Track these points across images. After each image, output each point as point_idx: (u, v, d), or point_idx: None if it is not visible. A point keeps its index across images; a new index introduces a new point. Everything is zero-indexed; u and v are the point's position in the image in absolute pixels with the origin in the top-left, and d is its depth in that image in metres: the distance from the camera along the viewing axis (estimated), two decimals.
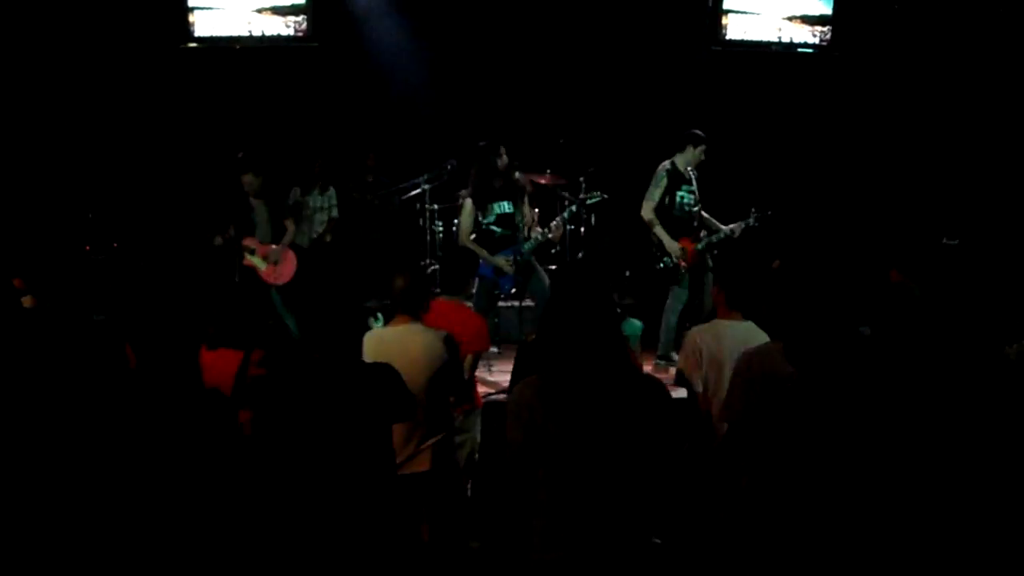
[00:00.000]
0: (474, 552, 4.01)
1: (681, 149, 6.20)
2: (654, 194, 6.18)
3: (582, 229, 7.52)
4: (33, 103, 7.66)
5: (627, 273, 7.99)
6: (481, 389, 4.99)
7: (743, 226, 6.21)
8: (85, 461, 2.57)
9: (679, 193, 6.18)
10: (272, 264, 6.53)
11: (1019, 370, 3.30)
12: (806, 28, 8.01)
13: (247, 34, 7.79)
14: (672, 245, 6.14)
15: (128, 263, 7.24)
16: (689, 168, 6.15)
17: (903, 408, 2.74)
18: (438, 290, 5.06)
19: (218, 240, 6.43)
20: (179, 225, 7.69)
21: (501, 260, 5.87)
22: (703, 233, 6.25)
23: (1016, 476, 2.63)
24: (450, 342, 3.72)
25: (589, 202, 6.80)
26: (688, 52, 8.19)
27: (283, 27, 7.82)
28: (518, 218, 5.92)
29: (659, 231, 6.15)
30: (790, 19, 7.99)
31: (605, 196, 6.78)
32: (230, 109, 8.08)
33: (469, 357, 4.17)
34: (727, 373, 3.80)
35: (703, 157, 6.19)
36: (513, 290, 6.08)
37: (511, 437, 2.49)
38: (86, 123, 7.84)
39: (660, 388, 2.62)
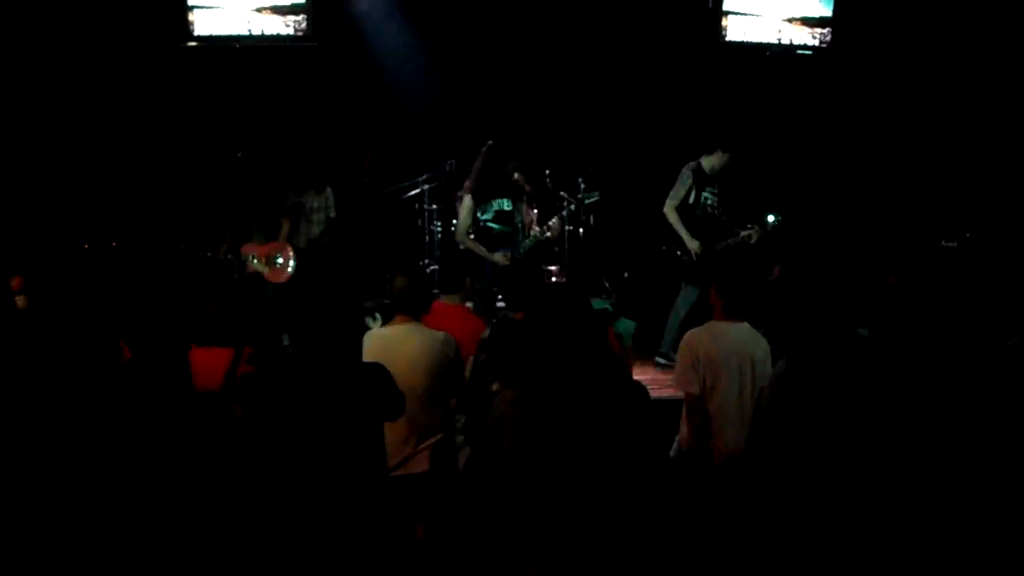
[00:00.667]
0: (471, 553, 4.00)
1: (710, 152, 6.29)
2: (679, 192, 6.25)
3: (580, 230, 7.51)
4: (32, 102, 7.64)
5: (625, 274, 7.99)
6: None
7: (760, 231, 6.25)
8: (77, 458, 2.57)
9: (704, 194, 6.26)
10: (275, 266, 6.54)
11: (1016, 364, 3.31)
12: (806, 30, 8.00)
13: (246, 33, 7.78)
14: (692, 243, 6.19)
15: (126, 262, 7.22)
16: (715, 171, 6.26)
17: (902, 408, 2.74)
18: (437, 290, 5.05)
19: (226, 254, 6.44)
20: (173, 225, 7.69)
21: (498, 255, 5.86)
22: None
23: (1015, 472, 2.63)
24: (450, 343, 3.72)
25: (587, 202, 6.82)
26: (688, 53, 8.19)
27: (283, 26, 7.81)
28: (517, 217, 5.93)
29: (679, 228, 6.21)
30: (790, 21, 7.99)
31: (599, 197, 6.82)
32: (229, 108, 8.07)
33: (469, 359, 4.16)
34: (724, 375, 3.80)
35: (728, 161, 6.27)
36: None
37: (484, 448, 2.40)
38: (85, 122, 7.82)
39: (642, 397, 2.58)
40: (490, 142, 5.91)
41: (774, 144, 8.29)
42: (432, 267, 7.48)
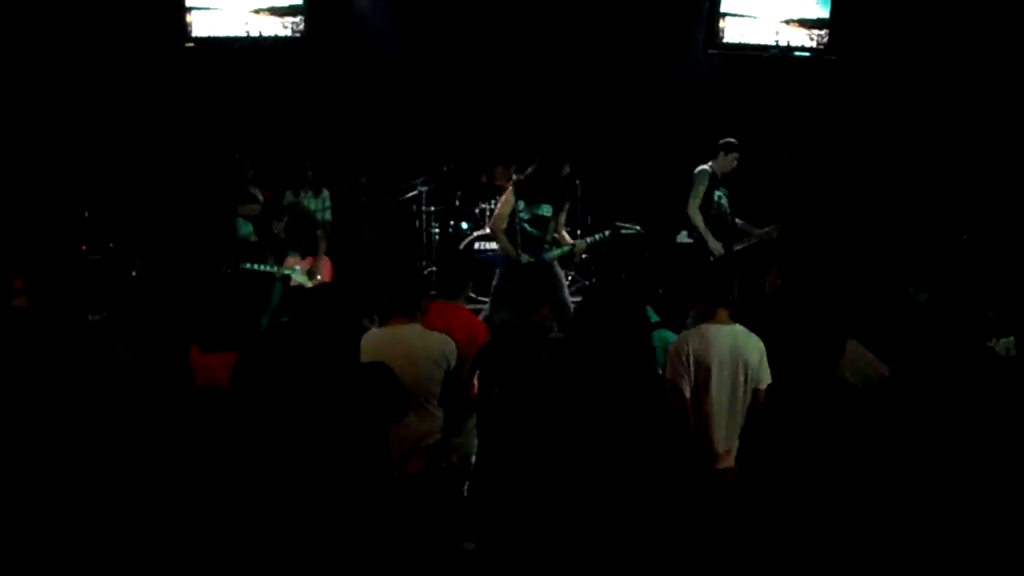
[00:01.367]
0: (469, 554, 4.00)
1: (714, 156, 6.35)
2: (698, 192, 6.30)
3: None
4: (30, 102, 7.64)
5: (660, 291, 7.93)
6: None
7: (777, 228, 6.32)
8: (75, 459, 2.56)
9: (716, 193, 6.32)
10: (316, 279, 6.56)
11: (1007, 364, 3.32)
12: (803, 32, 8.02)
13: (244, 34, 7.79)
14: (715, 244, 6.24)
15: (124, 262, 7.22)
16: (724, 174, 6.33)
17: (910, 412, 2.75)
18: (434, 292, 5.05)
19: (282, 268, 6.45)
20: (173, 224, 7.69)
21: (525, 257, 5.86)
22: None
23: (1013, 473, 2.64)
24: (448, 343, 3.72)
25: (623, 231, 6.74)
26: (685, 55, 8.20)
27: (280, 28, 7.82)
28: (552, 224, 5.98)
29: (703, 229, 6.27)
30: (787, 23, 8.00)
31: (641, 231, 6.74)
32: (227, 109, 8.07)
33: (468, 360, 4.16)
34: (715, 377, 3.79)
35: (735, 164, 6.32)
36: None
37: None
38: (83, 122, 7.82)
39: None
40: (546, 146, 5.92)
41: (771, 145, 8.30)
42: (430, 269, 7.48)
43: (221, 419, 2.68)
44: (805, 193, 8.23)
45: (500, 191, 7.50)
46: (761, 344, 3.90)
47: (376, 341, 3.66)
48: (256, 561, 2.69)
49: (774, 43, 8.03)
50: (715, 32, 7.91)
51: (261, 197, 7.34)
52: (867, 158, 8.30)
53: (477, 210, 8.04)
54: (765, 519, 2.98)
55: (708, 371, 3.80)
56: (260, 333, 4.88)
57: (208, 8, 7.72)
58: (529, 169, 5.94)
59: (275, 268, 6.39)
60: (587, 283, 7.60)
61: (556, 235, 6.07)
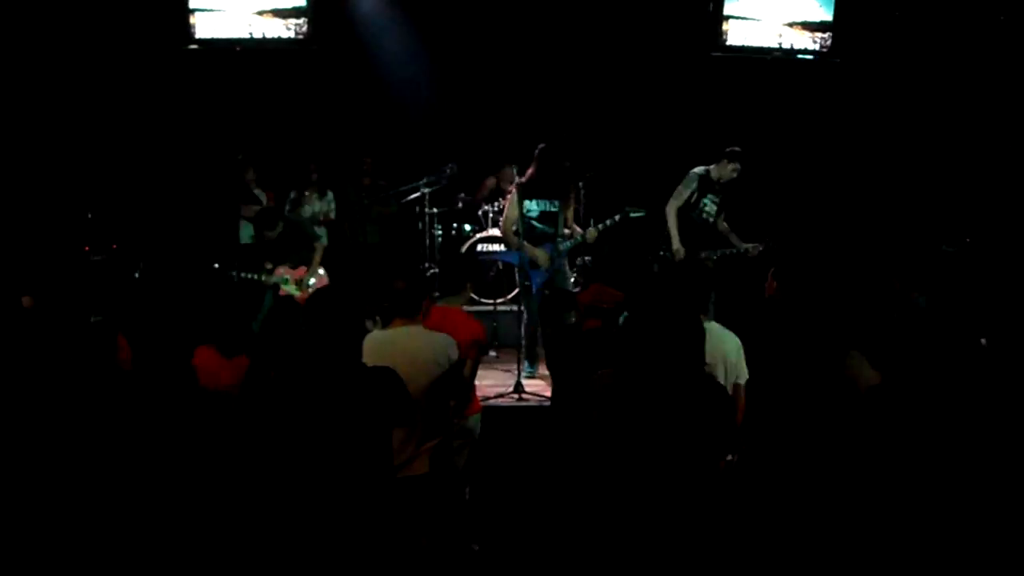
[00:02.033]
0: (474, 555, 4.00)
1: (718, 161, 6.36)
2: (682, 193, 6.34)
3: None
4: (34, 104, 7.66)
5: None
6: (480, 393, 4.98)
7: (760, 248, 6.31)
8: (82, 457, 2.57)
9: (704, 200, 6.34)
10: (307, 289, 6.55)
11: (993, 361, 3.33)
12: (807, 34, 8.02)
13: (248, 36, 7.80)
14: (677, 246, 6.28)
15: (127, 264, 7.23)
16: (721, 181, 6.33)
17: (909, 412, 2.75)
18: (437, 294, 5.05)
19: (271, 277, 6.45)
20: (177, 228, 7.70)
21: (541, 253, 5.98)
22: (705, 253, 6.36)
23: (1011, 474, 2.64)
24: (450, 345, 3.71)
25: (632, 215, 6.79)
26: (689, 58, 8.20)
27: (283, 29, 7.82)
28: (561, 217, 6.09)
29: (673, 230, 6.31)
30: (791, 25, 8.00)
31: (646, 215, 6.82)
32: (230, 111, 8.08)
33: (469, 361, 4.16)
34: None
35: (735, 175, 6.32)
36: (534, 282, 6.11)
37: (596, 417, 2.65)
38: (86, 124, 7.83)
39: (722, 393, 2.80)
40: (542, 145, 6.03)
41: (774, 149, 8.30)
42: (433, 270, 7.49)
43: (226, 421, 2.68)
44: (806, 196, 8.22)
45: (504, 194, 7.52)
46: (738, 340, 3.98)
47: (378, 343, 3.65)
48: (261, 561, 2.69)
49: (777, 46, 8.03)
50: (718, 35, 7.91)
51: (264, 199, 7.35)
52: (870, 161, 8.29)
53: (480, 212, 8.04)
54: (766, 518, 2.98)
55: None
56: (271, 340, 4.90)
57: (211, 10, 7.73)
58: (529, 169, 6.01)
59: (265, 277, 6.39)
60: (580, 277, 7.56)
61: (567, 230, 6.16)
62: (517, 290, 6.36)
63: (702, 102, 8.25)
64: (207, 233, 7.48)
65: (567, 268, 6.27)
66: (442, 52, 8.28)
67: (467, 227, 8.13)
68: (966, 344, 3.77)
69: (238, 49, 7.85)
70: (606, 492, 2.62)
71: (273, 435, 2.80)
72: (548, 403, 5.19)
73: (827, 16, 7.96)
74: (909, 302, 4.61)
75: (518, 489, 4.41)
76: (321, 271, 6.70)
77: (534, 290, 6.00)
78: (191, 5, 7.69)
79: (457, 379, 3.83)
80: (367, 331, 3.92)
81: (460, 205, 8.13)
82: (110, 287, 6.69)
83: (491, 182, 8.12)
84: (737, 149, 6.33)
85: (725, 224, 6.47)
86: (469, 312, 5.04)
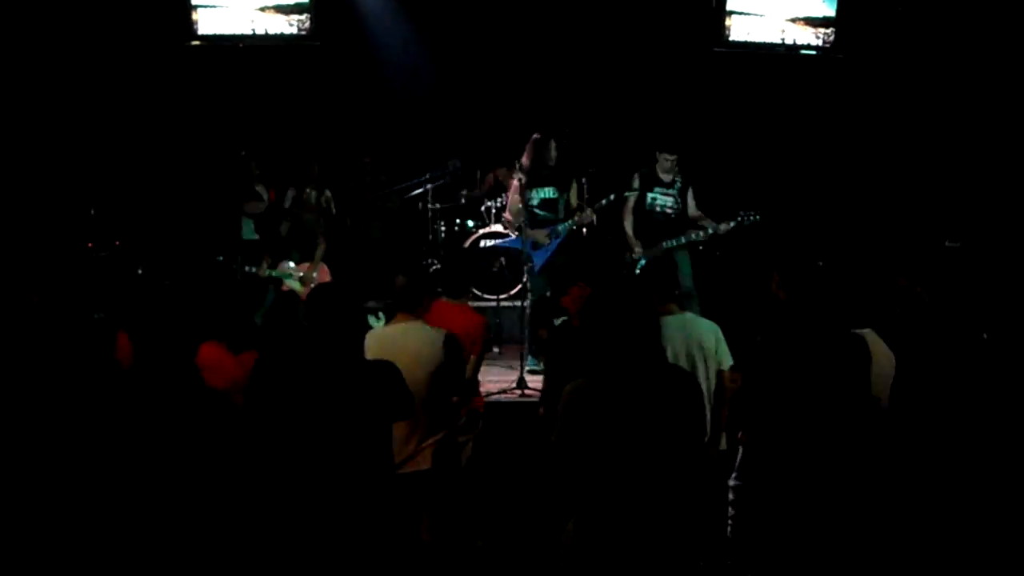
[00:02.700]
0: (478, 551, 4.00)
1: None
2: (626, 193, 6.52)
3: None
4: (37, 101, 7.66)
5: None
6: (482, 388, 4.98)
7: (731, 226, 6.37)
8: (84, 456, 2.57)
9: (650, 195, 6.48)
10: (310, 285, 6.56)
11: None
12: (810, 30, 8.00)
13: (250, 32, 7.79)
14: (632, 241, 6.48)
15: (130, 261, 7.24)
16: (664, 173, 6.43)
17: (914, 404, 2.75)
18: (440, 289, 5.05)
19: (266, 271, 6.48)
20: (181, 224, 7.70)
21: (539, 233, 6.25)
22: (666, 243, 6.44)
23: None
24: (451, 341, 3.71)
25: (627, 194, 6.84)
26: (691, 53, 8.18)
27: (286, 25, 7.82)
28: (561, 204, 6.35)
29: (627, 228, 6.52)
30: (794, 21, 7.98)
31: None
32: (232, 107, 8.07)
33: (472, 357, 4.16)
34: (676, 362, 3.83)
35: (669, 163, 6.41)
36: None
37: (557, 438, 2.61)
38: (89, 121, 7.83)
39: (688, 379, 2.76)
40: (535, 135, 6.31)
41: (777, 144, 8.29)
42: (435, 266, 7.48)
43: (228, 417, 2.68)
44: (809, 192, 8.21)
45: (505, 189, 7.52)
46: (716, 327, 4.01)
47: (380, 339, 3.66)
48: (261, 559, 2.69)
49: (780, 41, 8.01)
50: (721, 30, 7.90)
51: (266, 196, 7.34)
52: (873, 156, 8.28)
53: (483, 208, 8.04)
54: (768, 516, 2.98)
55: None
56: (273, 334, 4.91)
57: (214, 6, 7.72)
58: (524, 159, 6.28)
59: (268, 271, 6.41)
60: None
61: (577, 213, 6.33)
62: (520, 286, 6.40)
63: (705, 97, 8.23)
64: (210, 230, 7.47)
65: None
66: (445, 48, 8.28)
67: (470, 223, 8.12)
68: (969, 338, 3.77)
69: (240, 45, 7.84)
70: (590, 495, 2.57)
71: (274, 429, 2.81)
72: None
73: (830, 12, 7.94)
74: (914, 297, 4.59)
75: (522, 485, 4.41)
76: (323, 266, 6.70)
77: (536, 270, 6.24)
78: (193, 1, 7.68)
79: (459, 375, 3.83)
80: (369, 327, 3.93)
81: (463, 201, 8.13)
82: (113, 283, 6.70)
83: (494, 177, 8.12)
84: (664, 140, 6.44)
85: (697, 211, 6.53)
86: (471, 308, 5.05)
